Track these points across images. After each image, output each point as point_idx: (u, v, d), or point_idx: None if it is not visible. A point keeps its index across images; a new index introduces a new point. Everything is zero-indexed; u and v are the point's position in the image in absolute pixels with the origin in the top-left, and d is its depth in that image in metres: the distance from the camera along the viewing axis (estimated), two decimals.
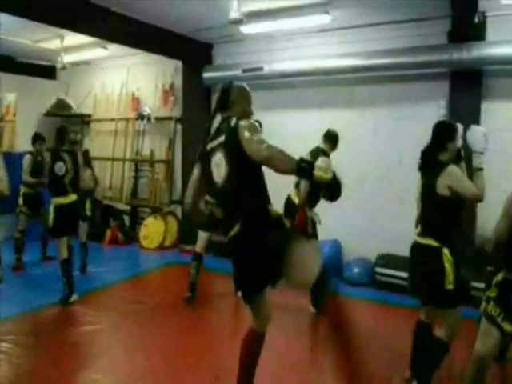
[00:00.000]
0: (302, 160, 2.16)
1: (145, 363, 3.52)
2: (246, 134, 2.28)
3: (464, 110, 5.04)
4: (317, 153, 4.44)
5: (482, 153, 2.83)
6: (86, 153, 6.04)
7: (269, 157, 2.18)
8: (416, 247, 2.93)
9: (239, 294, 2.74)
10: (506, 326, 2.36)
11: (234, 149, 2.31)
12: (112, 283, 5.50)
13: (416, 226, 2.97)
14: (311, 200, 4.27)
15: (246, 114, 2.52)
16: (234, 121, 2.38)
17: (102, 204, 7.38)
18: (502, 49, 4.70)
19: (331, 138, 4.50)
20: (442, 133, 2.92)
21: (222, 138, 2.39)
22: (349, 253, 5.87)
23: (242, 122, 2.34)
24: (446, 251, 2.74)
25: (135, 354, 3.71)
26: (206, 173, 2.51)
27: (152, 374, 3.36)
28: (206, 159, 2.50)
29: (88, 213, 5.77)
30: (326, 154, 4.39)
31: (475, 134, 2.89)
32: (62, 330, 4.12)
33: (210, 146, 2.48)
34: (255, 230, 2.36)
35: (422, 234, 2.88)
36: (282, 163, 2.18)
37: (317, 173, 2.10)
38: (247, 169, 2.34)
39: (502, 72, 4.94)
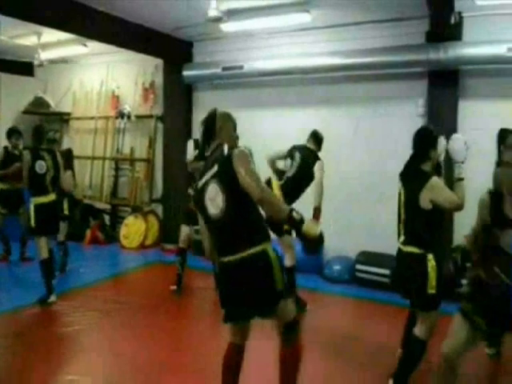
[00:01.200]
0: (291, 210, 2.23)
1: (124, 364, 3.50)
2: (240, 166, 2.28)
3: (441, 108, 5.13)
4: (308, 154, 4.48)
5: (462, 162, 2.90)
6: (68, 152, 5.96)
7: (262, 200, 2.23)
8: (401, 254, 2.98)
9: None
10: (478, 320, 2.41)
11: (229, 178, 2.30)
12: (92, 283, 5.44)
13: (399, 235, 3.01)
14: (289, 196, 4.30)
15: (233, 138, 2.55)
16: (226, 150, 2.38)
17: (82, 203, 7.30)
18: (477, 49, 4.79)
19: (319, 141, 4.59)
20: (424, 142, 2.94)
21: (216, 169, 2.36)
22: (329, 250, 5.91)
23: (235, 152, 2.33)
24: (430, 257, 2.79)
25: (114, 355, 3.67)
26: (201, 209, 2.49)
27: (131, 375, 3.33)
28: (199, 197, 2.47)
29: (66, 212, 5.66)
30: (317, 157, 4.44)
31: (457, 144, 2.93)
32: (39, 331, 4.06)
33: (201, 182, 2.46)
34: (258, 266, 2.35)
35: (405, 243, 2.93)
36: (274, 209, 2.28)
37: (305, 228, 2.23)
38: (243, 195, 2.31)
39: (478, 72, 5.03)
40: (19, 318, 4.35)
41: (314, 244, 2.39)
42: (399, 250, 2.99)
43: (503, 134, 3.32)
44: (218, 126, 2.52)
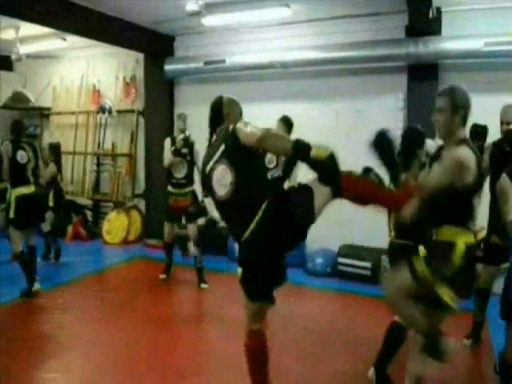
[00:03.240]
0: (298, 140, 2.16)
1: (105, 362, 3.47)
2: (242, 128, 2.32)
3: (422, 103, 5.15)
4: None
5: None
6: (57, 146, 6.19)
7: (263, 137, 2.21)
8: (392, 247, 3.08)
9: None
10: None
11: (236, 151, 2.33)
12: (74, 279, 5.40)
13: (389, 232, 3.07)
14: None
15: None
16: (230, 127, 2.41)
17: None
18: (455, 43, 4.85)
19: (290, 125, 4.49)
20: (413, 141, 3.00)
21: (223, 147, 2.39)
22: (312, 243, 5.93)
23: (238, 124, 2.38)
24: (420, 247, 2.81)
25: (95, 352, 3.64)
26: (210, 192, 2.50)
27: (111, 372, 3.31)
28: (207, 181, 2.48)
29: (50, 204, 5.83)
30: None
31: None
32: (19, 328, 4.01)
33: (208, 166, 2.46)
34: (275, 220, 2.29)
35: (396, 238, 3.02)
36: (278, 142, 2.23)
37: (313, 153, 2.11)
38: (251, 168, 2.35)
39: (457, 66, 5.08)
40: None
41: (328, 171, 2.21)
42: (390, 243, 3.10)
43: (475, 129, 3.41)
44: (225, 112, 2.59)
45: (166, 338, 3.94)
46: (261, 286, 2.45)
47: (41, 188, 5.21)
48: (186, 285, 5.35)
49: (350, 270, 5.43)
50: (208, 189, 2.50)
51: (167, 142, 5.18)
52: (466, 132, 2.50)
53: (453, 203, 2.28)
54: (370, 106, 5.65)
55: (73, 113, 7.88)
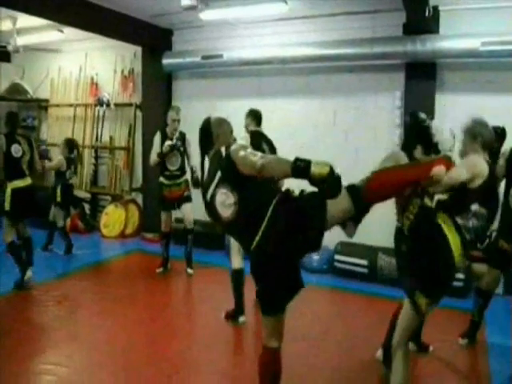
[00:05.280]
0: (296, 159, 2.06)
1: (101, 354, 3.52)
2: (239, 157, 2.27)
3: (419, 101, 5.15)
4: (268, 140, 4.29)
5: (450, 150, 3.02)
6: (72, 140, 6.33)
7: (262, 167, 2.15)
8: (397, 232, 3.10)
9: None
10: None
11: (233, 174, 2.31)
12: (71, 272, 5.46)
13: (398, 219, 3.08)
14: None
15: (231, 143, 2.52)
16: (223, 152, 2.39)
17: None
18: (453, 42, 4.82)
19: (259, 119, 4.36)
20: (414, 128, 3.02)
21: (219, 175, 2.37)
22: None
23: (232, 148, 2.34)
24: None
25: (91, 344, 3.70)
26: (215, 217, 2.46)
27: (106, 366, 3.35)
28: (210, 207, 2.45)
29: (58, 199, 5.97)
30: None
31: (443, 134, 3.07)
32: (15, 320, 4.06)
33: (208, 194, 2.44)
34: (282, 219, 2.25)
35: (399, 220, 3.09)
36: (277, 168, 2.16)
37: (313, 169, 2.02)
38: (252, 186, 2.31)
39: (455, 65, 5.09)
40: None
41: (328, 184, 2.11)
42: (396, 229, 3.12)
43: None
44: (215, 134, 2.53)
45: (162, 330, 4.00)
46: (273, 297, 2.38)
47: (39, 180, 5.29)
48: (182, 279, 5.39)
49: (346, 267, 5.44)
50: (213, 214, 2.45)
51: (157, 137, 5.22)
52: None
53: None
54: (367, 103, 5.65)
55: (71, 105, 7.87)
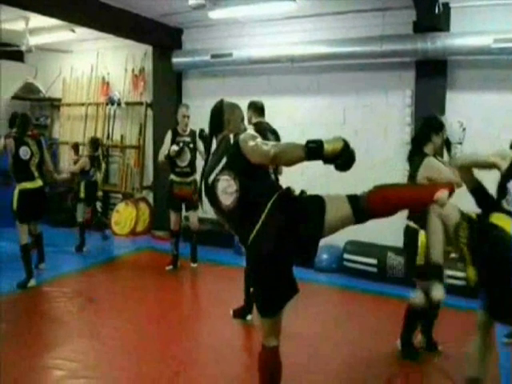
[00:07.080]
0: (308, 142, 2.06)
1: (109, 351, 3.55)
2: (247, 148, 2.26)
3: (429, 99, 5.12)
4: (272, 129, 4.15)
5: (460, 143, 3.05)
6: (95, 140, 6.50)
7: (277, 153, 2.13)
8: (405, 228, 3.30)
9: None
10: None
11: (240, 164, 2.29)
12: (82, 269, 5.52)
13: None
14: None
15: (240, 130, 2.51)
16: (232, 139, 2.37)
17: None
18: (464, 40, 4.78)
19: (261, 109, 4.22)
20: (428, 126, 3.21)
21: (224, 160, 2.35)
22: None
23: (241, 137, 2.32)
24: (422, 232, 3.03)
25: (101, 340, 3.72)
26: (214, 203, 2.44)
27: (112, 363, 3.38)
28: (211, 192, 2.43)
29: (81, 195, 6.13)
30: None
31: (452, 126, 3.13)
32: (26, 316, 4.12)
33: (211, 178, 2.41)
34: (280, 215, 2.24)
35: (408, 218, 3.26)
36: (290, 154, 2.14)
37: (326, 147, 2.02)
38: (256, 176, 2.31)
39: (466, 62, 5.04)
40: (5, 302, 4.36)
41: (344, 160, 2.12)
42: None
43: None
44: (226, 118, 2.51)
45: (171, 327, 4.03)
46: (268, 300, 2.37)
47: (51, 181, 5.39)
48: (191, 276, 5.42)
49: (355, 266, 5.42)
50: (212, 199, 2.43)
51: (168, 136, 5.26)
52: None
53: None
54: (378, 101, 5.63)
55: (82, 104, 7.96)
